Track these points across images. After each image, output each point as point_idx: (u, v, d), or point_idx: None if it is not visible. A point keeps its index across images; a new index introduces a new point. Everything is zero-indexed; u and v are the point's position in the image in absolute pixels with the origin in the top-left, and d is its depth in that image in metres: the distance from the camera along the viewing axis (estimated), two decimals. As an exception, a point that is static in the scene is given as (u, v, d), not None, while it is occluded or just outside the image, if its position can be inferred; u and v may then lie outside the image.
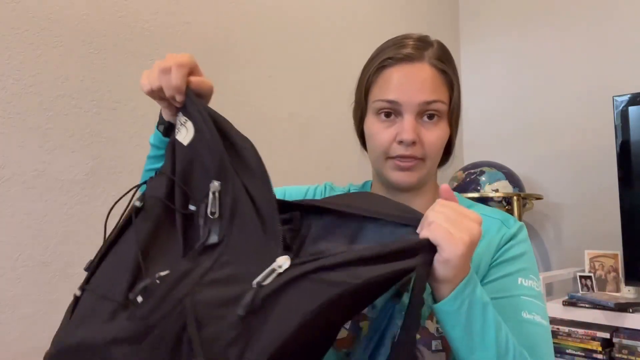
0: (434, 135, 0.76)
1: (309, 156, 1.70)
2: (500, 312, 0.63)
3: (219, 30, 1.48)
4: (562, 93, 2.20)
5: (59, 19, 1.15)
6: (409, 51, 0.76)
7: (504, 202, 1.98)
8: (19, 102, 1.08)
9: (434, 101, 0.75)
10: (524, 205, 2.05)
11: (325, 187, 0.91)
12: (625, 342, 1.60)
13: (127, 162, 1.25)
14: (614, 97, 1.74)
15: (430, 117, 0.76)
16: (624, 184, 1.70)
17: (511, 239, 0.76)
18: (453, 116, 0.80)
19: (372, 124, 0.78)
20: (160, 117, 0.74)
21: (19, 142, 1.08)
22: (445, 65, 0.77)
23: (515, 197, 1.94)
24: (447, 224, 0.55)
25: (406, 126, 0.74)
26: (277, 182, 1.83)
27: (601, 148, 2.05)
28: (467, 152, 2.50)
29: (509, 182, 2.01)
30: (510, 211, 1.97)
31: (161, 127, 0.74)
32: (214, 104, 1.55)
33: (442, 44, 0.81)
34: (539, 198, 2.10)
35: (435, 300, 0.60)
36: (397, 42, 0.78)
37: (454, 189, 2.07)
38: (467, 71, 2.53)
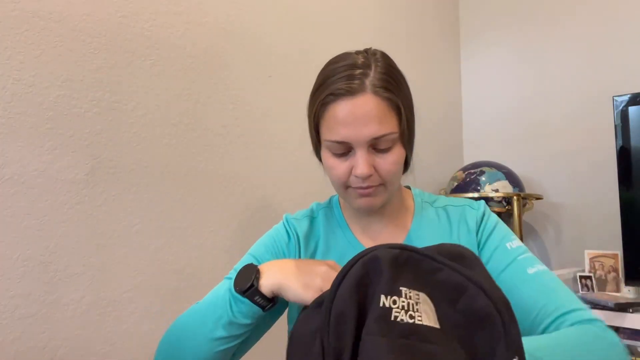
0: (389, 162, 0.76)
1: (309, 156, 1.70)
2: (510, 281, 0.73)
3: (218, 30, 1.48)
4: (562, 93, 2.20)
5: (59, 19, 1.15)
6: (350, 84, 0.73)
7: (504, 202, 1.98)
8: (19, 102, 1.08)
9: (383, 135, 0.74)
10: (524, 205, 2.05)
11: (285, 225, 0.89)
12: (625, 342, 1.60)
13: (127, 162, 1.25)
14: (614, 97, 1.74)
15: (382, 149, 0.76)
16: (624, 184, 1.70)
17: (482, 217, 0.84)
18: (405, 137, 0.78)
19: (327, 158, 0.79)
20: (260, 294, 0.70)
21: (19, 142, 1.08)
22: (389, 89, 0.74)
23: (515, 197, 1.94)
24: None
25: (359, 162, 0.74)
26: (277, 182, 1.81)
27: (601, 148, 2.05)
28: (467, 152, 2.50)
29: (509, 182, 2.01)
30: (510, 211, 1.97)
31: (262, 301, 0.70)
32: (212, 105, 1.55)
33: (384, 58, 0.78)
34: (539, 198, 2.10)
35: None
36: (338, 72, 0.75)
37: (454, 189, 2.07)
38: (467, 71, 2.53)
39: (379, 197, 0.78)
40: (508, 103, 2.38)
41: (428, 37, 2.39)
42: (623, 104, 1.72)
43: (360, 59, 0.76)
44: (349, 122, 0.73)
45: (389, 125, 0.74)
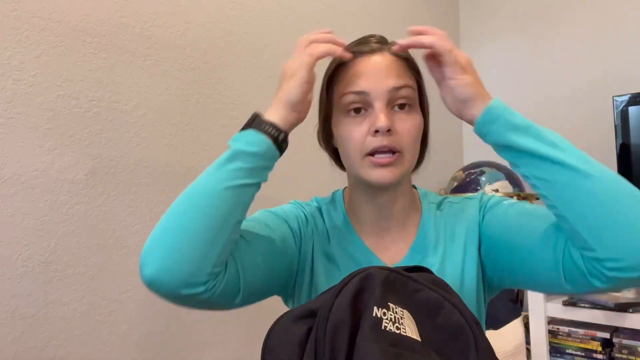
0: (409, 123, 0.74)
1: (308, 157, 1.70)
2: (521, 229, 0.75)
3: (218, 30, 1.48)
4: (562, 93, 2.20)
5: (59, 19, 1.15)
6: (371, 45, 0.77)
7: (504, 202, 1.98)
8: (19, 102, 1.08)
9: (403, 86, 0.74)
10: (524, 205, 2.05)
11: (310, 208, 0.87)
12: (625, 342, 1.60)
13: (127, 162, 1.25)
14: (614, 97, 1.74)
15: (402, 106, 0.74)
16: (624, 184, 1.69)
17: (481, 197, 0.83)
18: (424, 104, 0.79)
19: (342, 123, 0.76)
20: (275, 126, 0.70)
21: (19, 142, 1.08)
22: (407, 55, 0.78)
23: (515, 197, 1.94)
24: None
25: (379, 114, 0.72)
26: (277, 182, 1.80)
27: (601, 148, 2.04)
28: (467, 152, 2.50)
29: (509, 182, 2.01)
30: (510, 211, 1.97)
31: (282, 135, 0.70)
32: (212, 105, 1.55)
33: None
34: (538, 198, 2.10)
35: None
36: (358, 40, 0.80)
37: (454, 189, 2.07)
38: (467, 71, 2.53)
39: (397, 168, 0.74)
40: (507, 103, 2.37)
41: (428, 37, 2.39)
42: (623, 104, 1.72)
43: (378, 36, 0.81)
44: (368, 73, 0.74)
45: (408, 80, 0.76)
